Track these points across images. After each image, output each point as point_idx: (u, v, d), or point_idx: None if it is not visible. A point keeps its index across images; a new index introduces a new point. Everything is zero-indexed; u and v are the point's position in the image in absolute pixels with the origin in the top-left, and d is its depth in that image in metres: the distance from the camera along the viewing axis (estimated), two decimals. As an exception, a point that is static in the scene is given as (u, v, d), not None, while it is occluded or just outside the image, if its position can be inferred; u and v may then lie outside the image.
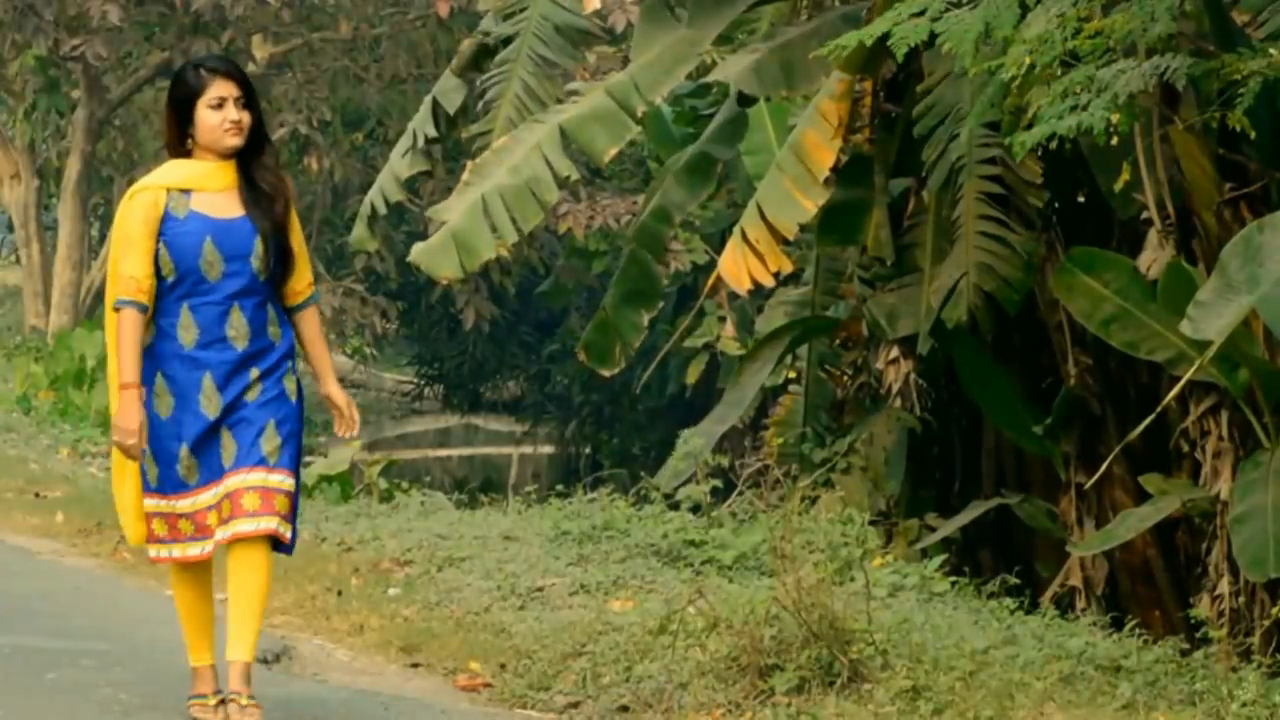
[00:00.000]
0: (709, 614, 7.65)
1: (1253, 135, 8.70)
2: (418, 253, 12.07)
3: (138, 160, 26.87)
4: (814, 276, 13.12)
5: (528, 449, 33.02)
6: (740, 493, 10.44)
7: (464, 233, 11.84)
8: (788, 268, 11.93)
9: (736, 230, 11.65)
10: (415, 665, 8.00)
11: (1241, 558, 9.54)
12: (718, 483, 10.46)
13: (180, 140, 6.58)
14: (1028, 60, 7.95)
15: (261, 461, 6.40)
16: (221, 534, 6.40)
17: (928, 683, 7.08)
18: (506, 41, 12.86)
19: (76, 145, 25.83)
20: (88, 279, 26.13)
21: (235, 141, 6.49)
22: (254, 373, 6.46)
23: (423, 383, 34.25)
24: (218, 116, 6.47)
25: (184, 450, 6.44)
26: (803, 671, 7.17)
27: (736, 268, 11.51)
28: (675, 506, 10.45)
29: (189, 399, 6.44)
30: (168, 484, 6.48)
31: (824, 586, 7.37)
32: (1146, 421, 9.64)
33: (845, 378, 12.90)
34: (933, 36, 8.13)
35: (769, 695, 7.14)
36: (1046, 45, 7.95)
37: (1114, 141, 8.27)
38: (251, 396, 6.45)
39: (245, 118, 6.49)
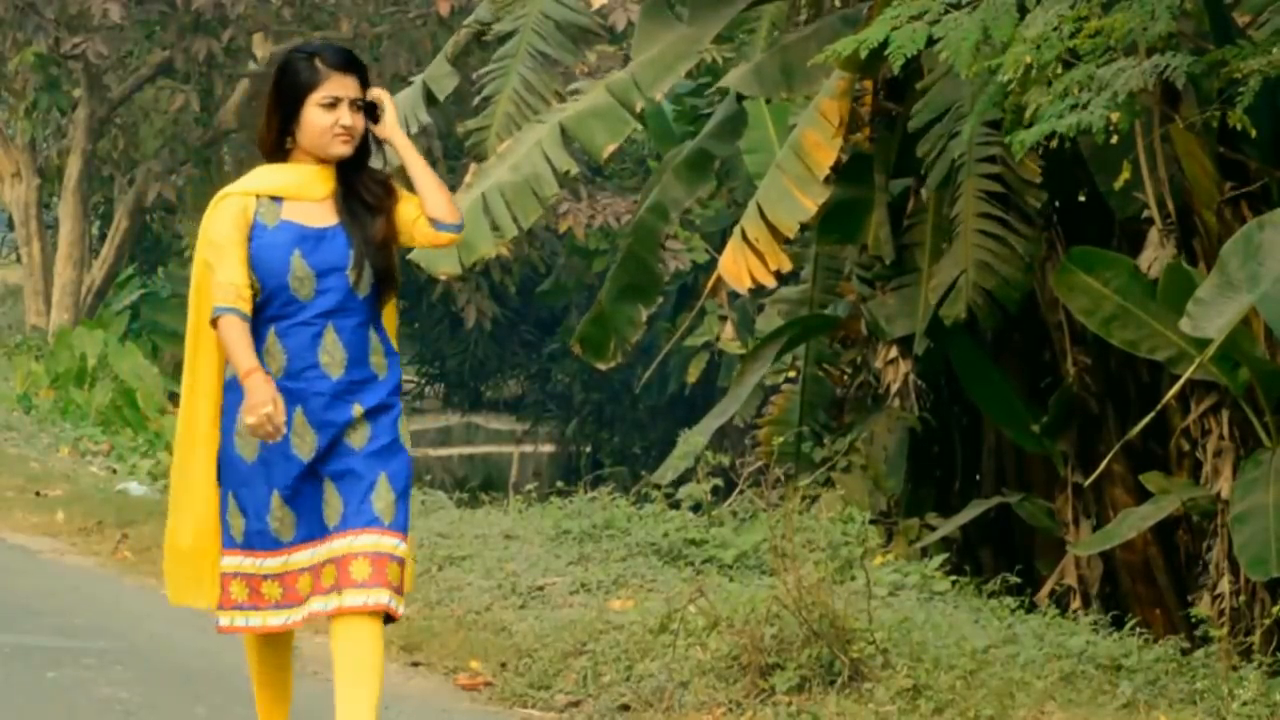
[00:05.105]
0: (710, 613, 7.65)
1: (1253, 134, 8.70)
2: (418, 252, 12.09)
3: (138, 159, 26.85)
4: (812, 275, 13.12)
5: (528, 448, 33.03)
6: (741, 491, 10.45)
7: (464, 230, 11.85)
8: (788, 267, 11.92)
9: (737, 230, 11.64)
10: (416, 664, 8.00)
11: (1242, 557, 9.53)
12: (718, 481, 10.46)
13: (280, 139, 5.68)
14: (1027, 60, 7.95)
15: (374, 521, 5.54)
16: (321, 605, 5.54)
17: (928, 681, 7.08)
18: (504, 38, 12.84)
19: (77, 144, 25.81)
20: (88, 278, 26.13)
21: (343, 150, 5.65)
22: (356, 409, 5.62)
23: (423, 381, 34.26)
24: (328, 118, 5.61)
25: (276, 499, 5.59)
26: (803, 670, 7.17)
27: (737, 267, 11.51)
28: (676, 505, 10.45)
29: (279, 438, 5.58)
30: (255, 539, 5.60)
31: (825, 585, 7.37)
32: (1146, 420, 9.63)
33: (844, 376, 12.90)
34: (931, 40, 8.12)
35: (770, 694, 7.14)
36: (1046, 44, 7.94)
37: (1114, 140, 8.27)
38: (357, 442, 5.61)
39: (359, 123, 5.66)
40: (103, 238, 27.53)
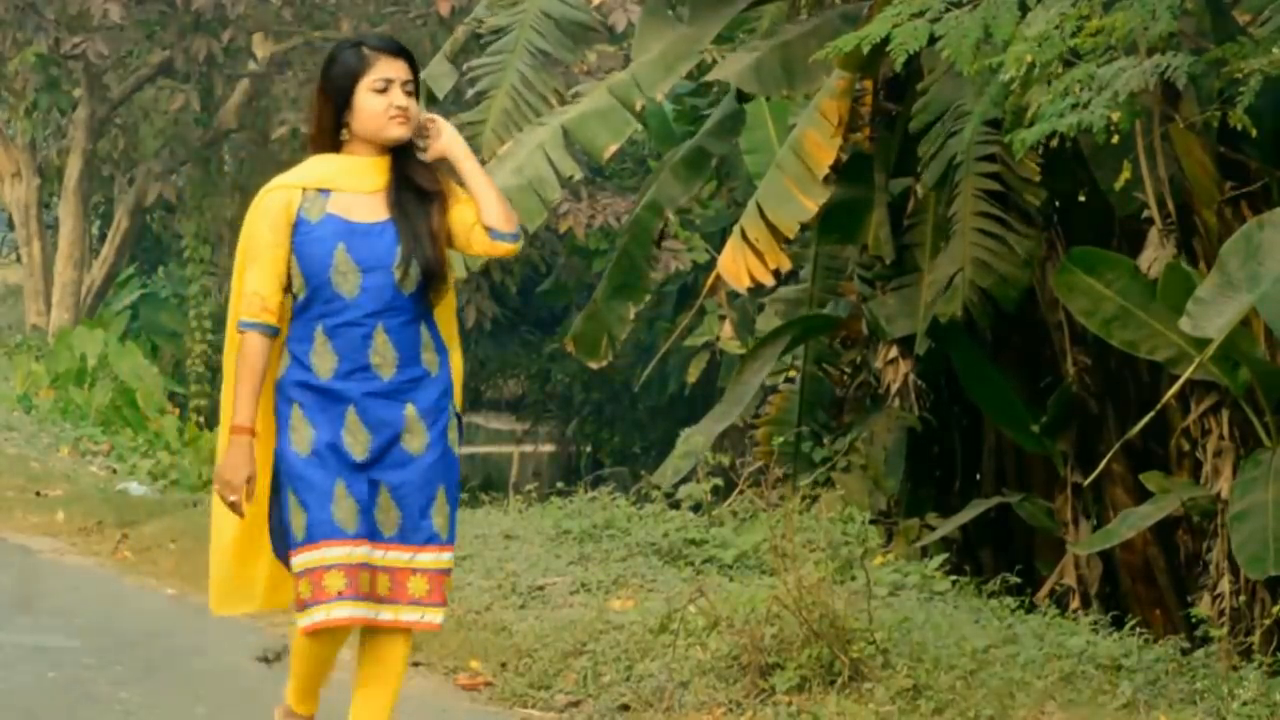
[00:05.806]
0: (710, 613, 7.65)
1: (1254, 133, 8.69)
2: None
3: (138, 159, 26.87)
4: (812, 275, 13.12)
5: (528, 447, 33.02)
6: (741, 491, 10.45)
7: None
8: (787, 266, 11.93)
9: (737, 229, 11.65)
10: (416, 664, 7.99)
11: (1240, 555, 9.52)
12: (719, 481, 10.46)
13: (334, 131, 5.60)
14: (1028, 59, 7.95)
15: (433, 538, 5.56)
16: (391, 615, 5.56)
17: (928, 681, 7.08)
18: (497, 31, 12.82)
19: (77, 143, 25.82)
20: (88, 278, 26.15)
21: (401, 131, 5.57)
22: (410, 410, 5.55)
23: (423, 381, 34.21)
24: (382, 101, 5.54)
25: (340, 487, 5.50)
26: (803, 670, 7.16)
27: (736, 266, 11.52)
28: (676, 505, 10.45)
29: (330, 432, 5.51)
30: (318, 529, 5.47)
31: (825, 585, 7.37)
32: (1146, 419, 9.63)
33: (844, 376, 12.90)
34: (932, 38, 8.12)
35: (770, 694, 7.14)
36: (1048, 43, 7.94)
37: (1114, 140, 8.27)
38: (415, 447, 5.55)
39: (414, 105, 5.57)
40: (103, 238, 27.53)
